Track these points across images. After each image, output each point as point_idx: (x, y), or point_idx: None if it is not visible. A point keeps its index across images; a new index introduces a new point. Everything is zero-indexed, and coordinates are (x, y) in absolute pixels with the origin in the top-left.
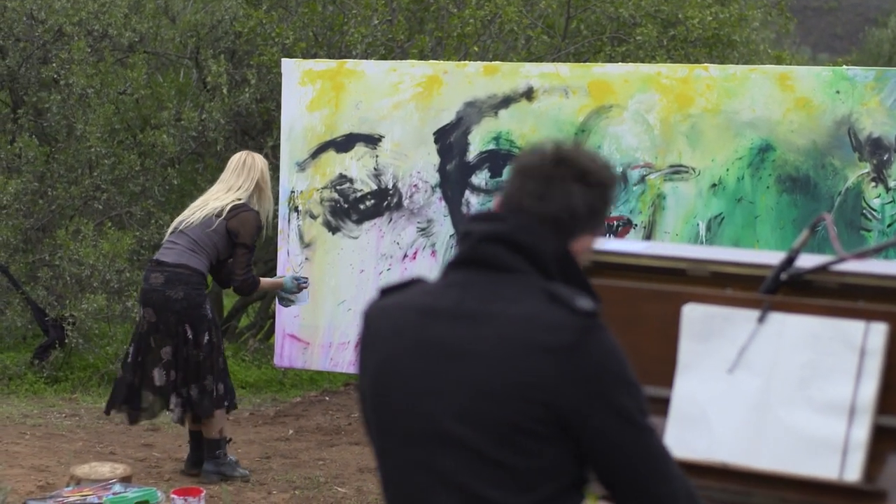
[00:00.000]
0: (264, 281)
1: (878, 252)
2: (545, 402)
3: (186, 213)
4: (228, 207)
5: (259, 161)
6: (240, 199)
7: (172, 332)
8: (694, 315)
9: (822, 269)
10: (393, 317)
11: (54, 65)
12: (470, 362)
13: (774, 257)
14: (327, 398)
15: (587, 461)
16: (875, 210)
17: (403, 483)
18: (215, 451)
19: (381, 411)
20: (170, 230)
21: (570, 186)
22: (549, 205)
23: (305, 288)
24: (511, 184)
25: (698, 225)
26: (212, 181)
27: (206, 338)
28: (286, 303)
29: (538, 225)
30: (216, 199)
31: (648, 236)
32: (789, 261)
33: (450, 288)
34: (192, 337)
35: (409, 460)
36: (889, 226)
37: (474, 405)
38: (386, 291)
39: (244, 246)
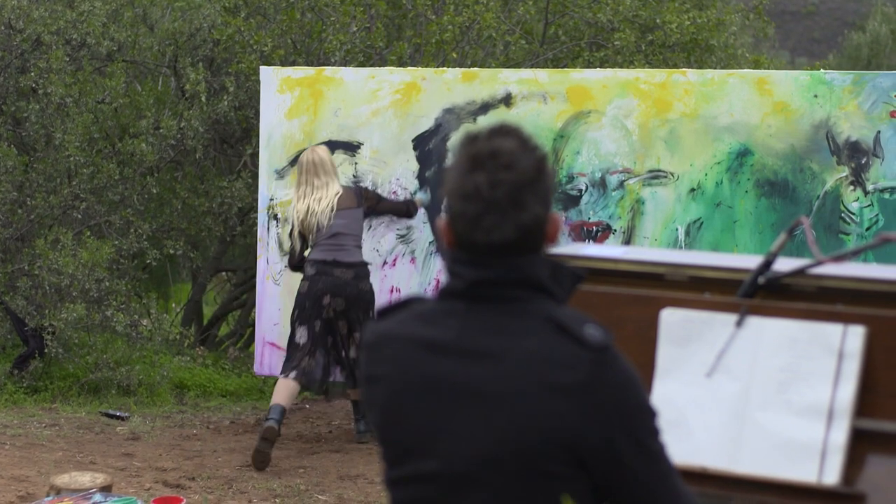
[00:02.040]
0: (417, 201)
1: (856, 255)
2: (563, 441)
3: (320, 213)
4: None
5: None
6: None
7: (362, 320)
8: (672, 319)
9: (800, 272)
10: (396, 348)
11: (32, 74)
12: (484, 403)
13: (752, 261)
14: (307, 406)
15: (598, 491)
16: (853, 213)
17: None
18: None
19: (391, 447)
20: (315, 231)
21: (520, 195)
22: (524, 215)
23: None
24: (456, 197)
25: (677, 230)
26: (191, 189)
27: None
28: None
29: (525, 261)
30: (327, 198)
31: (628, 241)
32: (767, 264)
33: (450, 317)
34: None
35: (420, 498)
36: (868, 229)
37: (491, 447)
38: (383, 314)
39: (377, 197)
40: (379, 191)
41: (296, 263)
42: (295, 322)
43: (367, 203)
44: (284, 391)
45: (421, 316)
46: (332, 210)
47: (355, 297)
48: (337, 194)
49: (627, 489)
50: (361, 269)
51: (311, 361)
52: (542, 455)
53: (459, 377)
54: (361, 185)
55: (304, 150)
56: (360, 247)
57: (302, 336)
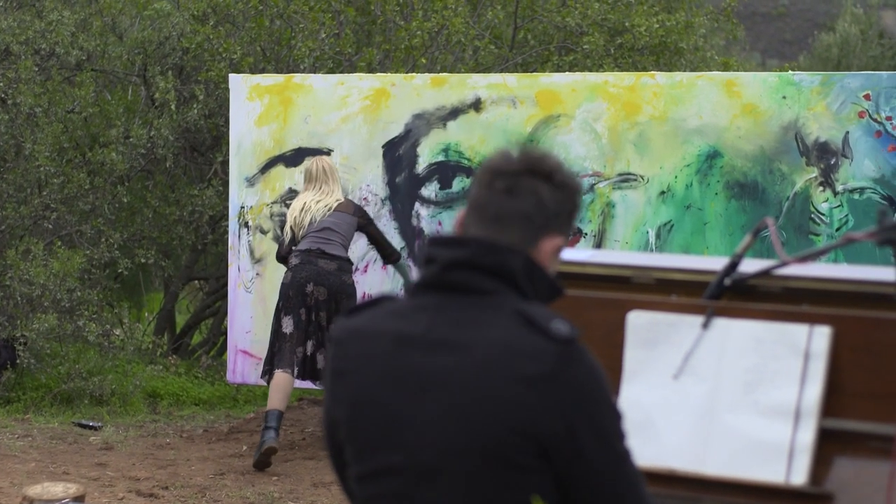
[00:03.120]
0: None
1: (821, 255)
2: (527, 432)
3: (315, 211)
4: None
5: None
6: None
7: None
8: (639, 322)
9: (766, 273)
10: (365, 343)
11: (1, 84)
12: (448, 393)
13: (719, 263)
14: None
15: (562, 486)
16: (823, 214)
17: None
18: None
19: (358, 441)
20: (307, 226)
21: (538, 184)
22: (519, 201)
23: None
24: (478, 184)
25: (648, 233)
26: (162, 198)
27: None
28: None
29: (501, 244)
30: (325, 201)
31: (599, 245)
32: (733, 266)
33: (420, 312)
34: None
35: (389, 491)
36: (838, 229)
37: (454, 437)
38: (353, 311)
39: (369, 220)
40: (349, 197)
41: (283, 255)
42: (280, 312)
43: (360, 218)
44: (280, 391)
45: (392, 312)
46: (328, 209)
47: (338, 287)
48: (337, 200)
49: (592, 489)
50: (345, 263)
51: (301, 350)
52: (507, 445)
53: (426, 368)
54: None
55: (310, 160)
56: (346, 246)
57: (288, 326)
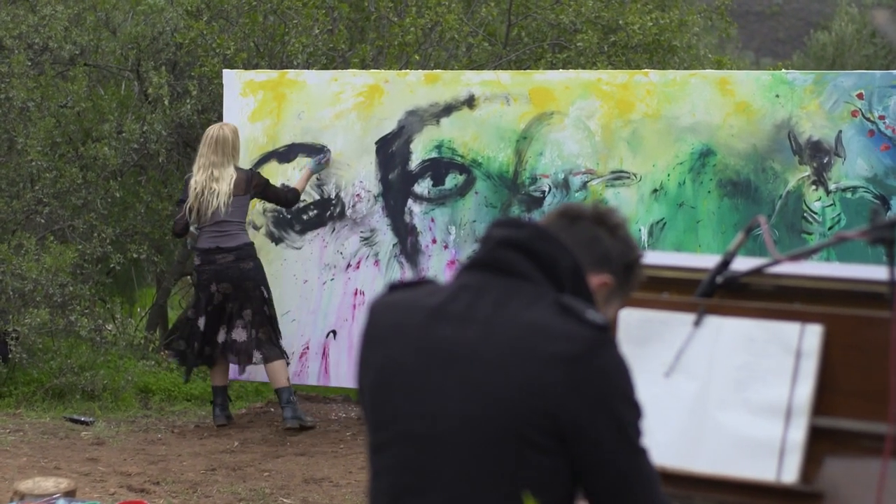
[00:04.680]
0: (300, 184)
1: (813, 254)
2: (548, 411)
3: (210, 203)
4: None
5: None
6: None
7: (251, 297)
8: (631, 319)
9: (757, 271)
10: (399, 314)
11: None
12: (475, 367)
13: (710, 261)
14: (272, 409)
15: (578, 474)
16: (816, 213)
17: (393, 481)
18: (290, 398)
19: (380, 409)
20: (205, 220)
21: (599, 231)
22: (579, 231)
23: (328, 155)
24: (544, 218)
25: (640, 230)
26: (154, 193)
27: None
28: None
29: (557, 238)
30: (219, 188)
31: None
32: (724, 264)
33: (462, 290)
34: (267, 297)
35: (401, 459)
36: (830, 228)
37: (475, 410)
38: (394, 288)
39: (266, 183)
40: (342, 194)
41: (178, 231)
42: (191, 310)
43: (255, 189)
44: (218, 374)
45: (432, 291)
46: (229, 197)
47: (238, 277)
48: (232, 178)
49: (606, 479)
50: (242, 250)
51: (213, 342)
52: (527, 423)
53: (454, 341)
54: (253, 170)
55: (214, 126)
56: (243, 230)
57: (202, 323)
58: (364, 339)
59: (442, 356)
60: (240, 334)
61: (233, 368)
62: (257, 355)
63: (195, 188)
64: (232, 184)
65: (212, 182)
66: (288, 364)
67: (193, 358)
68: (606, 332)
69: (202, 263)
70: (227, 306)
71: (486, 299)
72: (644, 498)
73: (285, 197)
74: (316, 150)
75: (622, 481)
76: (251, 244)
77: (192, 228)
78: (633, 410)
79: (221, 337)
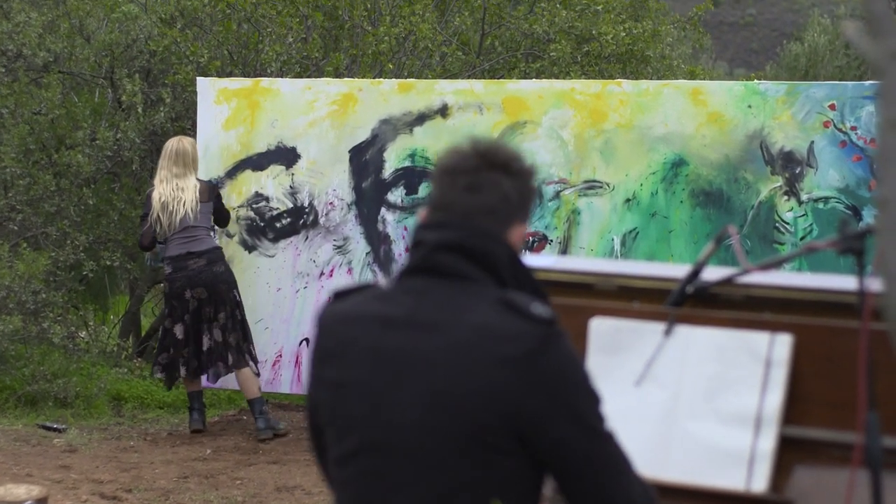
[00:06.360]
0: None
1: (782, 264)
2: (504, 413)
3: (177, 211)
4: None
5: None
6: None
7: (225, 300)
8: (601, 329)
9: (728, 281)
10: (349, 327)
11: None
12: (428, 372)
13: (681, 270)
14: (245, 417)
15: (546, 471)
16: (788, 223)
17: (360, 492)
18: (262, 408)
19: (339, 422)
20: (173, 228)
21: (498, 177)
22: (484, 196)
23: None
24: (439, 185)
25: (613, 240)
26: (128, 201)
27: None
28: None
29: (489, 231)
30: (184, 197)
31: (564, 251)
32: (695, 274)
33: (405, 295)
34: (239, 300)
35: (367, 470)
36: (802, 238)
37: (432, 416)
38: (339, 295)
39: (219, 198)
40: (315, 202)
41: (147, 244)
42: (167, 319)
43: (216, 199)
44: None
45: (377, 296)
46: (196, 203)
47: (212, 281)
48: (196, 186)
49: (573, 474)
50: (213, 253)
51: (193, 348)
52: (486, 427)
53: (409, 350)
54: (214, 183)
55: (172, 140)
56: (210, 235)
57: (179, 332)
58: (315, 355)
59: (395, 366)
60: (218, 336)
61: (206, 376)
62: (229, 359)
63: (160, 198)
64: (197, 192)
65: (178, 192)
66: (258, 376)
67: (177, 368)
68: (553, 326)
69: (174, 271)
70: (203, 312)
71: (431, 303)
72: (614, 481)
73: (227, 218)
74: (288, 154)
75: (591, 472)
76: (220, 248)
77: (157, 244)
78: (589, 399)
79: (206, 344)
